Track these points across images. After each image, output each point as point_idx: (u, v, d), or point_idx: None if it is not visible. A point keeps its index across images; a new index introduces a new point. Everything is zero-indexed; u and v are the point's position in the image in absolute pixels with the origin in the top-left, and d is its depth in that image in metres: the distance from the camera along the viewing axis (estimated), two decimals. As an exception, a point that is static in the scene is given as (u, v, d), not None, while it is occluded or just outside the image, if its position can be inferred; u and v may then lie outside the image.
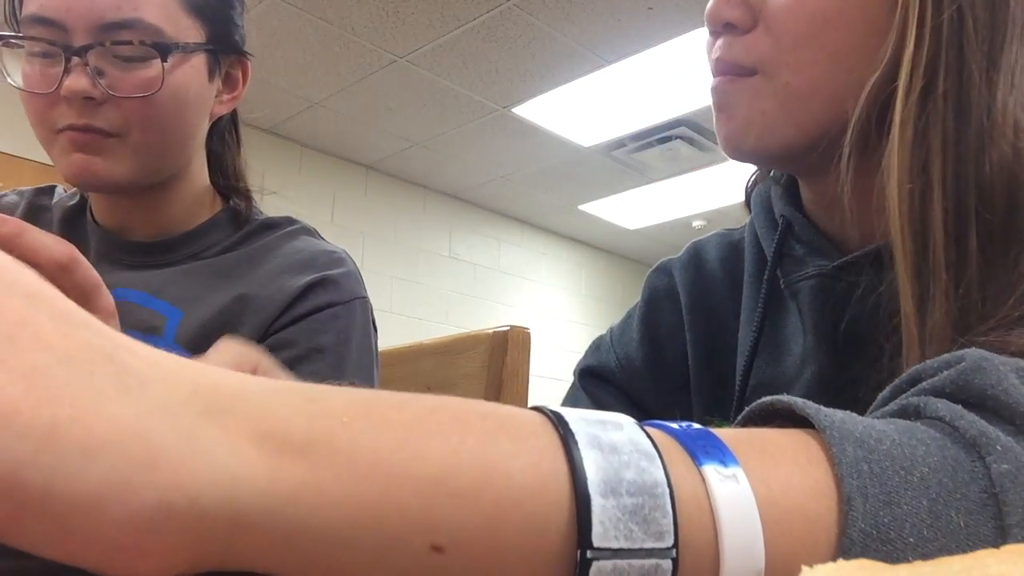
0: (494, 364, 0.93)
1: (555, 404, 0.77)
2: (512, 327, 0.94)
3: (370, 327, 0.83)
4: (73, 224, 0.83)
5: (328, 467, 0.22)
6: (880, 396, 0.36)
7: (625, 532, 0.23)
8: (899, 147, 0.48)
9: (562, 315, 5.49)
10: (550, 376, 4.71)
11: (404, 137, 4.13)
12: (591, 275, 5.73)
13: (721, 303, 0.69)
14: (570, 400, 0.73)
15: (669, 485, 0.24)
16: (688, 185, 4.53)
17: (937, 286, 0.46)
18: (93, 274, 0.55)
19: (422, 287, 4.74)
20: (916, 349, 0.47)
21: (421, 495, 0.23)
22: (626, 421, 0.27)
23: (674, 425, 0.28)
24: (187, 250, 0.82)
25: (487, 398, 0.92)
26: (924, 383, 0.33)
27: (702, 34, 0.58)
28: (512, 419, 0.26)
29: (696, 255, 0.72)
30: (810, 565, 0.24)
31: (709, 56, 0.58)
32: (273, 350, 0.76)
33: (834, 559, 0.26)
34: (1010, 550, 0.21)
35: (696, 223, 5.04)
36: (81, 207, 0.85)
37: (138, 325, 0.76)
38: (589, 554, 0.23)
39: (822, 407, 0.30)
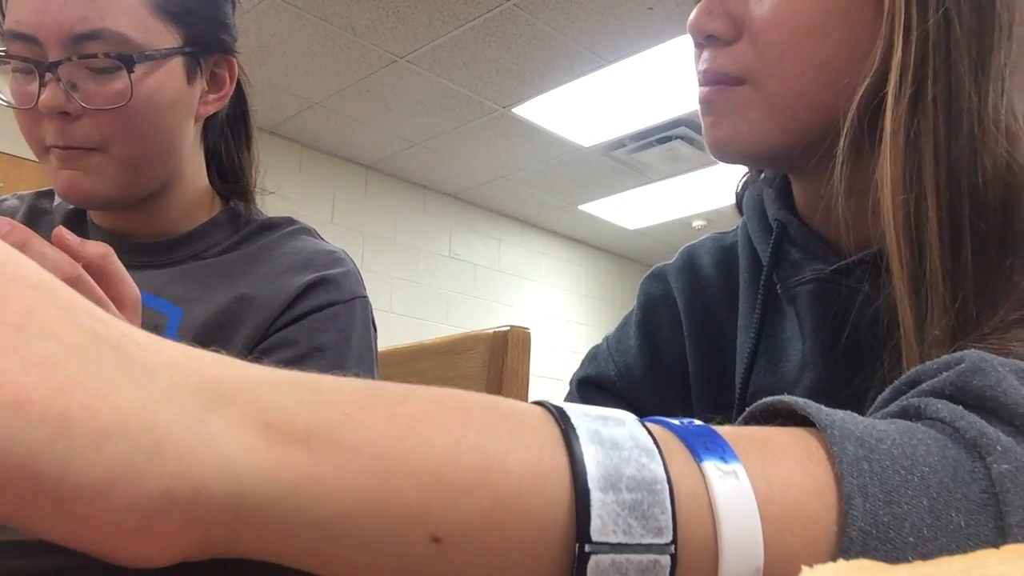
0: (494, 364, 0.93)
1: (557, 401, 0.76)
2: (512, 327, 0.94)
3: (370, 326, 0.84)
4: (74, 227, 0.83)
5: (330, 458, 0.22)
6: (880, 397, 0.36)
7: (624, 527, 0.23)
8: (891, 156, 0.48)
9: (562, 315, 5.49)
10: (550, 376, 4.71)
11: (404, 137, 4.13)
12: (591, 275, 5.73)
13: (718, 308, 0.68)
14: None
15: (669, 482, 0.25)
16: (688, 185, 4.53)
17: (935, 297, 0.46)
18: (119, 266, 0.56)
19: (422, 287, 4.74)
20: (916, 362, 0.47)
21: (421, 487, 0.23)
22: (628, 417, 0.27)
23: (675, 422, 0.28)
24: (187, 250, 0.82)
25: (487, 398, 0.91)
26: (924, 384, 0.33)
27: (702, 35, 0.58)
28: (514, 413, 0.26)
29: (690, 260, 0.72)
30: (810, 564, 0.24)
31: (696, 67, 0.58)
32: (274, 349, 0.76)
33: (834, 558, 0.26)
34: (1010, 550, 0.21)
35: (696, 223, 5.04)
36: (82, 211, 0.85)
37: (139, 323, 0.76)
38: (587, 548, 0.23)
39: (823, 407, 0.30)
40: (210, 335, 0.76)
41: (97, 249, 0.55)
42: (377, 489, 0.23)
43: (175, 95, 0.76)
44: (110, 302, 0.55)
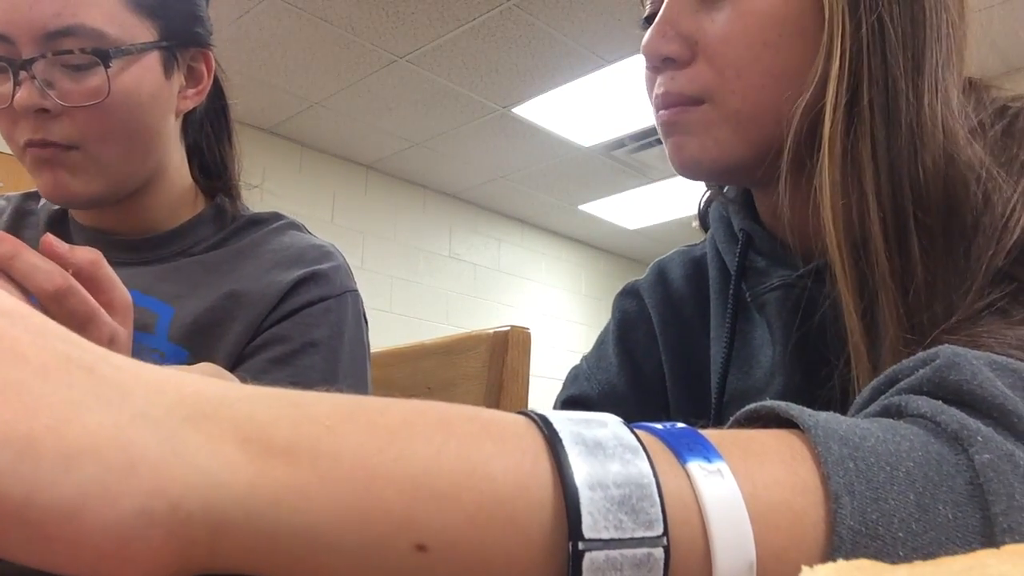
0: (494, 364, 0.93)
1: (551, 405, 0.77)
2: (512, 327, 0.94)
3: (361, 320, 0.84)
4: (58, 227, 0.83)
5: (311, 469, 0.22)
6: (858, 398, 0.36)
7: (615, 522, 0.24)
8: (829, 164, 0.49)
9: (562, 315, 5.49)
10: (550, 376, 4.71)
11: (404, 137, 4.13)
12: (591, 275, 5.73)
13: (690, 319, 0.69)
14: None
15: (655, 477, 0.25)
16: (688, 185, 4.52)
17: (885, 296, 0.47)
18: (108, 270, 0.56)
19: (422, 287, 4.74)
20: (865, 362, 0.47)
21: (404, 495, 0.23)
22: (610, 419, 0.27)
23: (658, 425, 0.28)
24: (174, 247, 0.82)
25: (488, 398, 0.92)
26: (902, 383, 0.34)
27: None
28: (496, 421, 0.26)
29: (661, 274, 0.73)
30: (798, 560, 0.25)
31: (650, 92, 0.58)
32: (267, 345, 0.76)
33: (824, 556, 0.26)
34: (1010, 550, 0.21)
35: (696, 223, 5.04)
36: (65, 210, 0.85)
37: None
38: (581, 545, 0.23)
39: (806, 409, 0.30)
40: (201, 332, 0.76)
41: (86, 255, 0.55)
42: (360, 498, 0.23)
43: (153, 90, 0.75)
44: (102, 310, 0.54)
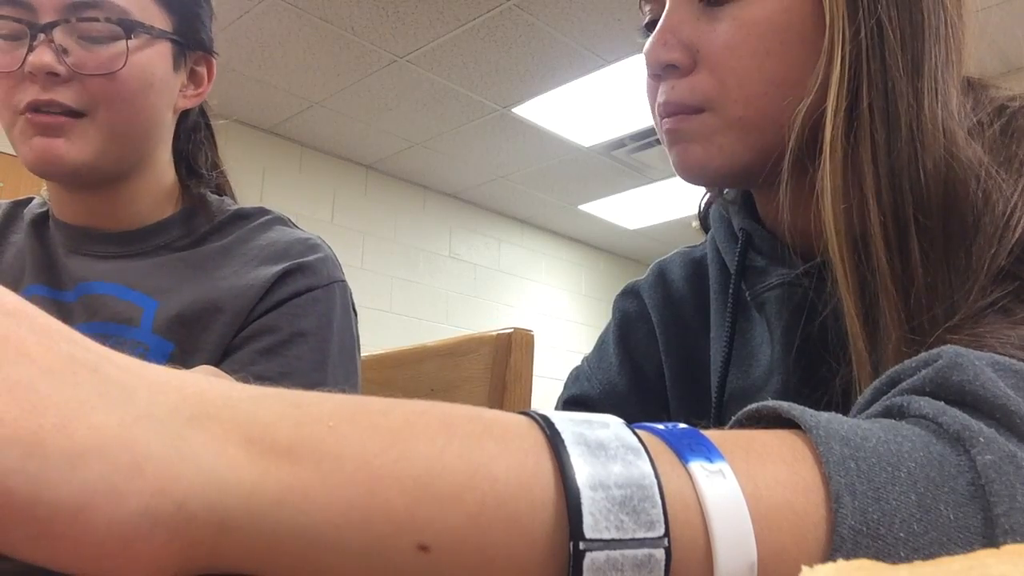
0: (497, 366, 0.93)
1: (553, 405, 0.77)
2: (516, 330, 0.94)
3: (350, 310, 0.84)
4: (40, 225, 0.84)
5: (314, 470, 0.23)
6: (861, 399, 0.36)
7: (616, 523, 0.24)
8: (830, 168, 0.49)
9: (562, 315, 5.48)
10: (550, 376, 4.70)
11: (404, 137, 4.12)
12: (591, 275, 5.73)
13: (691, 320, 0.70)
14: None
15: (657, 477, 0.25)
16: (688, 185, 4.51)
17: (885, 299, 0.47)
18: None
19: (422, 287, 4.74)
20: (866, 364, 0.48)
21: (407, 496, 0.23)
22: (612, 420, 0.27)
23: (660, 426, 0.29)
24: (158, 240, 0.82)
25: (491, 400, 0.92)
26: (904, 383, 0.34)
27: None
28: (498, 422, 0.26)
29: (661, 275, 0.73)
30: (800, 560, 0.25)
31: (652, 99, 0.58)
32: (255, 336, 0.76)
33: (825, 556, 0.26)
34: (1010, 550, 0.21)
35: (696, 223, 5.03)
36: (46, 213, 0.85)
37: (115, 317, 0.77)
38: (582, 545, 0.23)
39: (807, 409, 0.30)
40: (186, 325, 0.76)
41: None
42: (362, 499, 0.23)
43: (162, 75, 0.77)
44: None
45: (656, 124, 0.59)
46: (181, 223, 0.83)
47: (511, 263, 5.27)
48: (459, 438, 0.25)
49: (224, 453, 0.22)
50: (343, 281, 0.84)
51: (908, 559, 0.26)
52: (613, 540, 0.24)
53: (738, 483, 0.26)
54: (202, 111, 0.91)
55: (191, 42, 0.81)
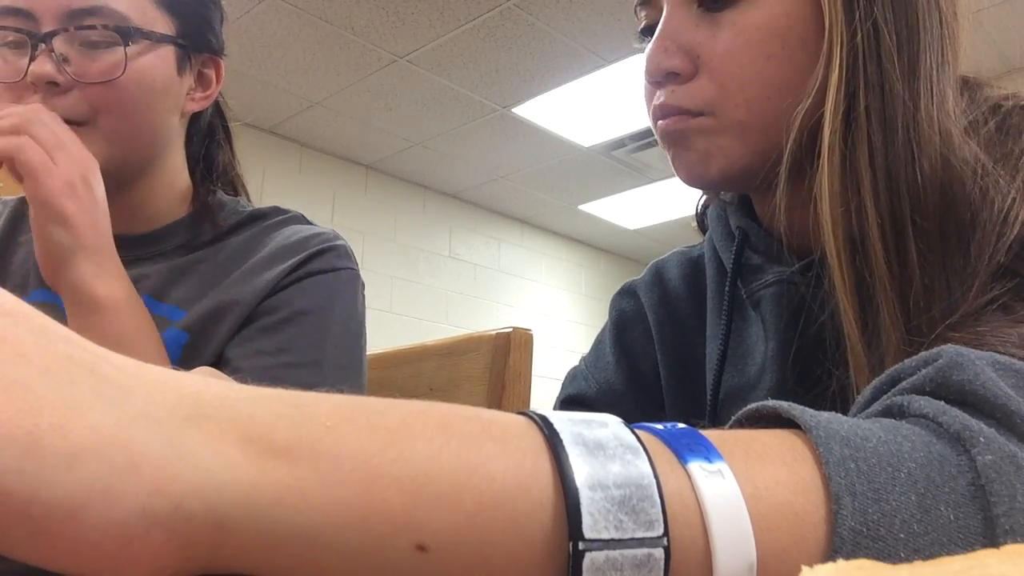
0: (496, 366, 0.93)
1: (552, 404, 0.77)
2: (515, 329, 0.94)
3: (358, 297, 0.84)
4: None
5: (312, 470, 0.22)
6: (860, 398, 0.36)
7: (615, 523, 0.24)
8: (828, 170, 0.49)
9: (562, 315, 5.48)
10: (550, 376, 4.70)
11: (404, 137, 4.12)
12: (591, 275, 5.73)
13: (687, 319, 0.70)
14: None
15: (656, 477, 0.25)
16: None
17: (883, 300, 0.47)
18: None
19: (422, 287, 4.74)
20: (864, 366, 0.48)
21: (404, 496, 0.23)
22: (611, 420, 0.27)
23: (659, 426, 0.29)
24: (173, 241, 0.82)
25: (490, 399, 0.92)
26: (904, 383, 0.34)
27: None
28: (496, 421, 0.26)
29: (658, 274, 0.74)
30: (799, 560, 0.25)
31: (649, 104, 0.58)
32: (257, 317, 0.77)
33: (825, 557, 0.26)
34: (1010, 550, 0.21)
35: (694, 224, 5.03)
36: None
37: None
38: (581, 545, 0.23)
39: (807, 409, 0.30)
40: (203, 321, 0.77)
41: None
42: (360, 498, 0.23)
43: (165, 81, 0.77)
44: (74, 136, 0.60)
45: (653, 127, 0.59)
46: (194, 224, 0.83)
47: (511, 263, 5.27)
48: (457, 438, 0.24)
49: (221, 452, 0.22)
50: (352, 269, 0.84)
51: (908, 559, 0.26)
52: (612, 540, 0.23)
53: (737, 483, 0.26)
54: (221, 113, 0.91)
55: (196, 45, 0.80)
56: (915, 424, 0.31)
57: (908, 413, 0.32)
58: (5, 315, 0.22)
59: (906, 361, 0.35)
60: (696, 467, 0.26)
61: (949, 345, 0.34)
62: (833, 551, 0.26)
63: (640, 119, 3.80)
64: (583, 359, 0.76)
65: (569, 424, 0.26)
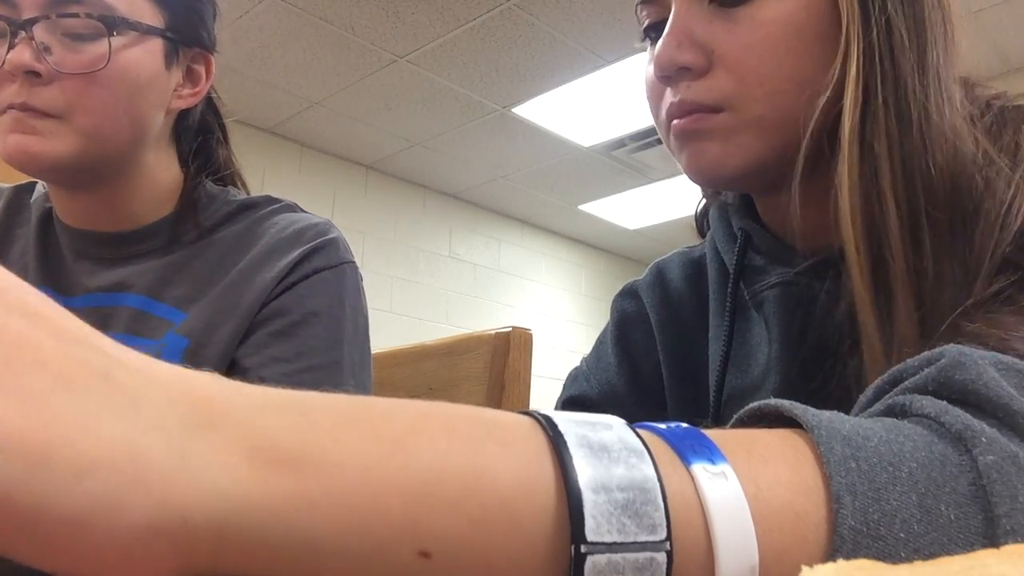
0: (496, 365, 0.93)
1: (552, 404, 0.77)
2: (514, 328, 0.95)
3: (360, 291, 0.83)
4: (47, 226, 0.83)
5: (316, 480, 0.22)
6: (863, 397, 0.36)
7: (618, 526, 0.24)
8: (848, 161, 0.49)
9: (562, 315, 5.48)
10: (550, 376, 4.70)
11: (404, 137, 4.13)
12: (591, 275, 5.73)
13: (689, 319, 0.70)
14: None
15: (659, 480, 0.25)
16: (688, 185, 4.51)
17: (900, 293, 0.47)
18: None
19: (422, 287, 4.74)
20: (880, 359, 0.48)
21: (409, 504, 0.23)
22: (615, 422, 0.27)
23: (662, 425, 0.29)
24: (165, 236, 0.80)
25: (489, 399, 0.92)
26: (906, 382, 0.34)
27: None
28: (501, 424, 0.26)
29: (660, 275, 0.73)
30: (800, 560, 0.25)
31: (656, 102, 0.58)
32: (268, 320, 0.76)
33: (826, 557, 0.26)
34: (1010, 550, 0.21)
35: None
36: (50, 211, 0.83)
37: (140, 332, 0.76)
38: (583, 548, 0.23)
39: (809, 408, 0.30)
40: (203, 323, 0.76)
41: None
42: (364, 507, 0.23)
43: (151, 76, 0.74)
44: None
45: (661, 127, 0.59)
46: (181, 220, 0.81)
47: (511, 263, 5.27)
48: (461, 442, 0.24)
49: (227, 465, 0.22)
50: (353, 262, 0.83)
51: (909, 559, 0.26)
52: (615, 543, 0.24)
53: (740, 485, 0.26)
54: (215, 111, 0.89)
55: (186, 39, 0.78)
56: (917, 424, 0.31)
57: (910, 413, 0.32)
58: (29, 316, 0.22)
59: (908, 360, 0.35)
60: (699, 469, 0.26)
61: (952, 345, 0.34)
62: (834, 550, 0.26)
63: (640, 119, 3.80)
64: (584, 360, 0.76)
65: (574, 426, 0.26)
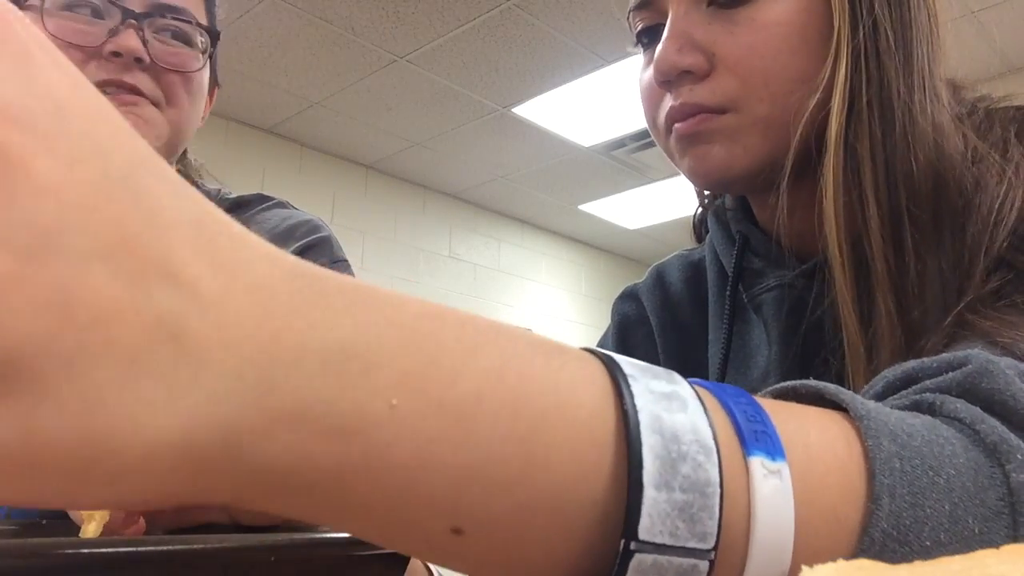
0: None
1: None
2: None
3: None
4: None
5: (361, 452, 0.21)
6: (870, 390, 0.35)
7: (671, 528, 0.23)
8: (833, 162, 0.50)
9: (562, 315, 5.48)
10: (550, 376, 4.69)
11: (404, 137, 4.12)
12: (591, 275, 5.73)
13: (689, 322, 0.70)
14: None
15: (721, 485, 0.23)
16: (688, 185, 4.51)
17: (880, 292, 0.47)
18: None
19: (422, 287, 4.73)
20: (862, 358, 0.48)
21: (453, 486, 0.22)
22: (688, 395, 0.25)
23: (732, 394, 0.26)
24: None
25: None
26: (928, 382, 0.33)
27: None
28: (571, 398, 0.23)
29: (659, 278, 0.73)
30: (833, 561, 0.24)
31: (654, 106, 0.57)
32: None
33: (851, 556, 0.26)
34: (1010, 550, 0.21)
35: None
36: None
37: None
38: (633, 546, 0.22)
39: (855, 395, 0.29)
40: None
41: None
42: (406, 484, 0.21)
43: (206, 88, 0.81)
44: None
45: (659, 131, 0.59)
46: None
47: (511, 263, 5.27)
48: (526, 420, 0.22)
49: (272, 434, 0.20)
50: (346, 261, 0.84)
51: None
52: (664, 545, 0.22)
53: (792, 488, 0.25)
54: None
55: (213, 67, 0.84)
56: (950, 425, 0.30)
57: (940, 413, 0.31)
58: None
59: (925, 360, 0.34)
60: (757, 464, 0.25)
61: (977, 350, 0.33)
62: (860, 552, 0.26)
63: (640, 119, 3.79)
64: None
65: (650, 400, 0.24)
